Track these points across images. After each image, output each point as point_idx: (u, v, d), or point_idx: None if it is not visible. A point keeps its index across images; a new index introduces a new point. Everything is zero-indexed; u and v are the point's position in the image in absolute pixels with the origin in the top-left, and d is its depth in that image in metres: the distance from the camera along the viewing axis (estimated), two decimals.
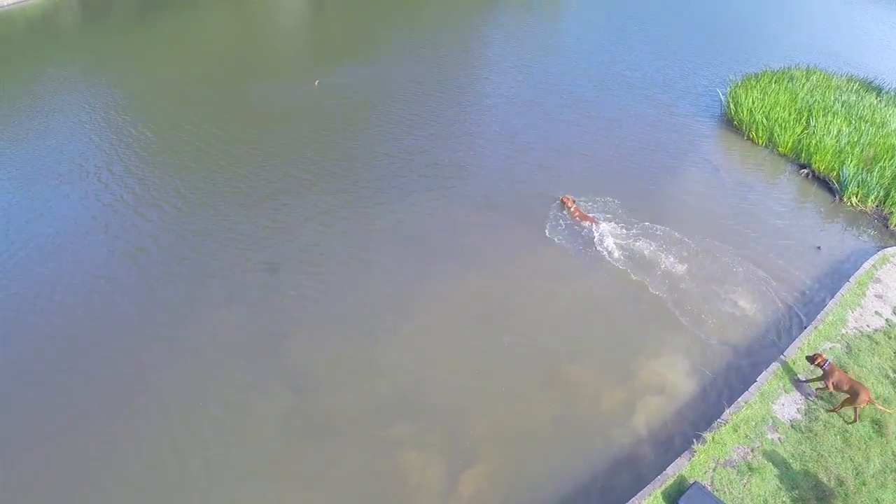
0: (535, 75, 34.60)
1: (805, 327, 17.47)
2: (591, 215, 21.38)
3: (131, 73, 33.81)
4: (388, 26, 44.34)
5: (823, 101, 29.32)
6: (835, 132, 26.62)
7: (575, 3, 52.49)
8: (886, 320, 17.87)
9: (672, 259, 19.76)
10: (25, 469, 12.71)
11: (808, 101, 29.17)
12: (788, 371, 15.67)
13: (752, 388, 15.19)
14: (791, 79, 32.01)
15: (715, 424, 14.07)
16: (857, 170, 24.42)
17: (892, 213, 23.20)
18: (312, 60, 37.73)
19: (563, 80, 34.05)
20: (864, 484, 13.05)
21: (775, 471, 13.16)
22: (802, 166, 26.19)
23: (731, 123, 29.72)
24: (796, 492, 12.75)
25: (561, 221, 21.32)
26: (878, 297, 18.73)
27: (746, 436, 13.85)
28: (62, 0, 51.93)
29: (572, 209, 21.44)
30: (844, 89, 31.55)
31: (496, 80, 33.84)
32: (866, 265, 20.05)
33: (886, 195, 23.68)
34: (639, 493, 12.52)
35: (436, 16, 47.81)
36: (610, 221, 21.28)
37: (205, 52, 37.91)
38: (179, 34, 40.91)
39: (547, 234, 20.73)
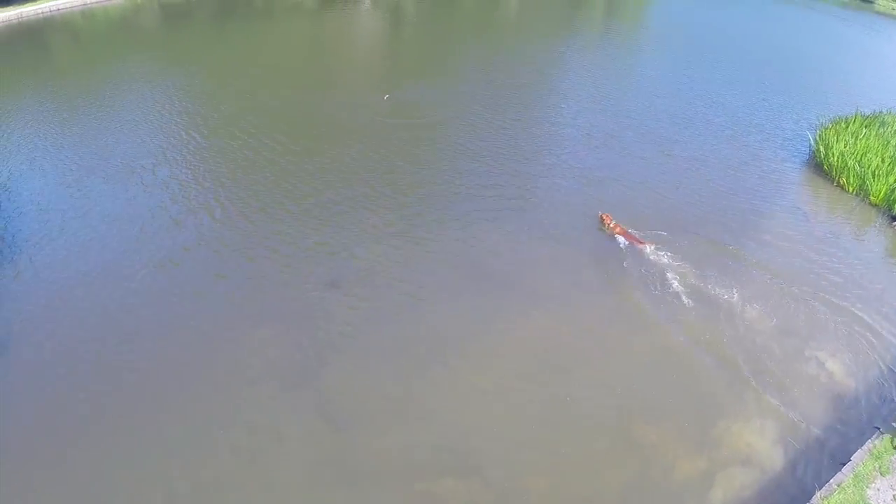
0: (612, 107, 32.74)
1: None
2: (635, 234, 20.20)
3: (200, 77, 33.86)
4: (464, 47, 43.59)
5: None
6: None
7: (652, 35, 51.00)
8: None
9: (756, 309, 17.46)
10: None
11: None
12: (886, 449, 13.43)
13: (846, 469, 13.10)
14: (882, 124, 29.52)
15: None
16: None
17: None
18: (383, 76, 36.83)
19: (642, 113, 32.05)
20: None
21: None
22: (895, 218, 23.80)
23: (819, 168, 27.23)
24: None
25: (635, 264, 19.19)
26: None
27: None
28: (143, 2, 53.27)
29: (611, 225, 20.68)
30: None
31: (572, 110, 32.08)
32: None
33: None
34: None
35: (512, 40, 46.87)
36: (689, 265, 19.11)
37: (275, 61, 37.77)
38: (253, 43, 41.21)
39: (618, 275, 18.70)
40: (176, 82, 32.84)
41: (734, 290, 18.16)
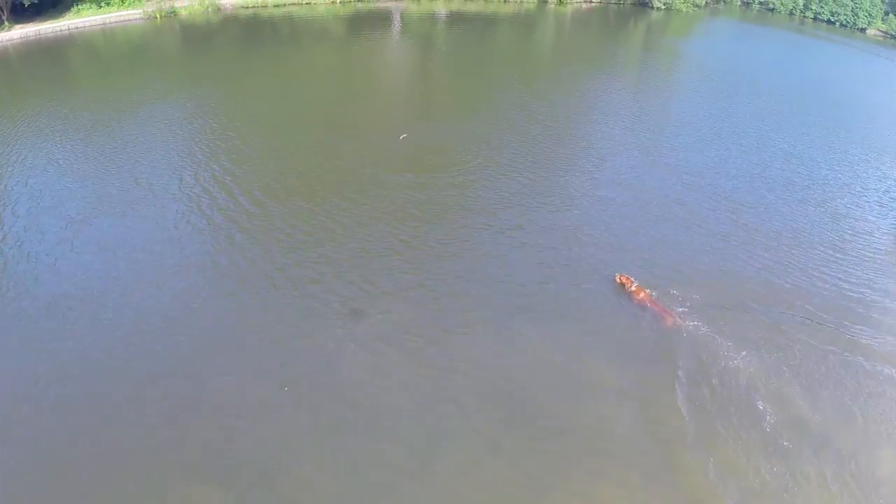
0: (670, 161, 28.16)
1: None
2: (660, 302, 17.43)
3: (216, 103, 31.31)
4: (494, 82, 39.50)
5: None
6: None
7: (699, 72, 46.62)
8: None
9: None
10: None
11: None
12: None
13: None
14: None
15: None
16: None
17: None
18: (404, 111, 33.36)
19: (707, 169, 27.62)
20: None
21: None
22: None
23: None
24: None
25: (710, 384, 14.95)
26: None
27: None
28: (165, 23, 51.60)
29: (633, 289, 18.02)
30: None
31: (619, 165, 27.24)
32: None
33: None
34: None
35: (547, 74, 43.30)
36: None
37: (297, 93, 34.83)
38: (276, 71, 38.22)
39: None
40: (192, 107, 30.77)
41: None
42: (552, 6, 71.28)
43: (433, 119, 30.82)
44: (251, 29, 49.41)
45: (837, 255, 21.56)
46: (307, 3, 54.81)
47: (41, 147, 25.48)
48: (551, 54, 51.07)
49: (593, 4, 77.63)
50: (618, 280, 18.29)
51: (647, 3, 79.74)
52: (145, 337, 15.10)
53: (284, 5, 53.42)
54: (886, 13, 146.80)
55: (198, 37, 48.78)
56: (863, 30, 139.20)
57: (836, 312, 17.96)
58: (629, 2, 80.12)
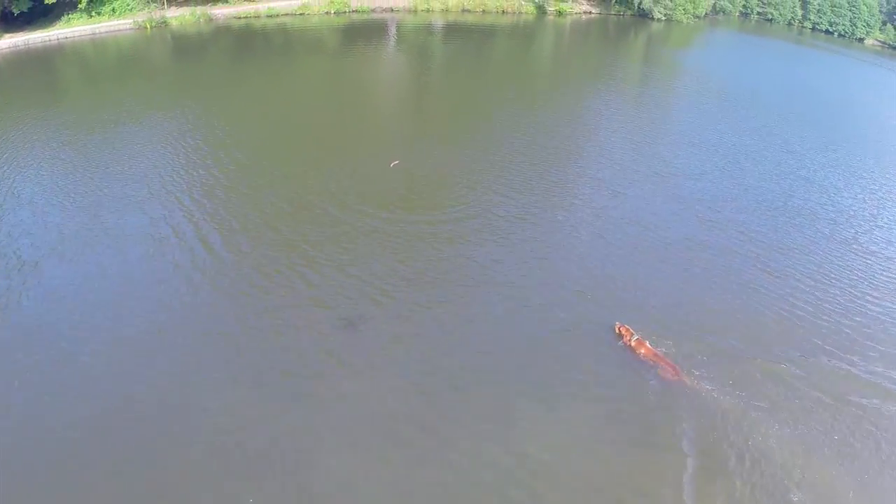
0: (679, 191, 25.69)
1: None
2: (663, 354, 15.42)
3: (200, 121, 29.73)
4: (492, 99, 37.07)
5: None
6: None
7: (704, 87, 44.99)
8: None
9: None
10: None
11: None
12: None
13: None
14: None
15: None
16: None
17: None
18: (396, 132, 30.86)
19: (719, 199, 25.13)
20: None
21: None
22: None
23: None
24: None
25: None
26: None
27: None
28: (155, 33, 50.42)
29: (632, 343, 15.99)
30: None
31: (627, 199, 24.11)
32: None
33: None
34: None
35: (546, 90, 41.40)
36: None
37: (288, 108, 33.21)
38: (268, 85, 36.68)
39: None
40: (184, 124, 29.19)
41: None
42: (551, 17, 70.30)
43: (427, 142, 28.26)
44: (243, 40, 48.21)
45: (874, 297, 19.31)
46: (301, 14, 53.63)
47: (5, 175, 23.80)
48: (551, 68, 49.87)
49: (593, 15, 76.68)
50: (617, 330, 16.43)
51: (648, 14, 78.83)
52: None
53: (277, 16, 52.25)
54: (884, 23, 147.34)
55: (188, 48, 47.58)
56: (861, 39, 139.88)
57: (881, 363, 16.04)
58: (629, 12, 79.20)
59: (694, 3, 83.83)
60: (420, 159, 25.56)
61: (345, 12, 55.55)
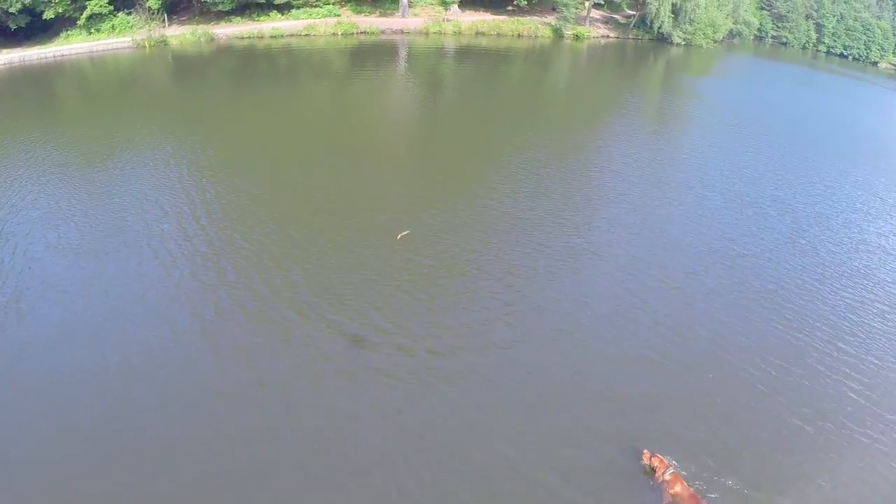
0: (714, 260, 21.31)
1: None
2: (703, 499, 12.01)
3: (206, 148, 27.33)
4: (510, 139, 32.35)
5: None
6: None
7: (731, 120, 41.38)
8: None
9: None
10: None
11: None
12: None
13: None
14: None
15: None
16: None
17: None
18: (403, 183, 26.22)
19: (757, 270, 20.96)
20: None
21: None
22: None
23: None
24: None
25: None
26: None
27: None
28: (154, 52, 48.12)
29: (666, 478, 12.50)
30: None
31: (652, 276, 19.95)
32: None
33: None
34: None
35: (567, 132, 37.01)
36: None
37: (286, 141, 30.12)
38: (267, 112, 33.73)
39: None
40: (180, 149, 27.05)
41: None
42: (568, 41, 67.97)
43: (436, 201, 23.74)
44: (246, 61, 45.65)
45: None
46: (306, 35, 51.16)
47: None
48: (568, 98, 46.94)
49: (610, 39, 74.43)
50: (646, 461, 12.98)
51: (667, 39, 76.72)
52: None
53: (282, 37, 49.78)
54: None
55: (188, 68, 45.17)
56: (875, 63, 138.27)
57: None
58: (647, 37, 77.05)
59: (714, 27, 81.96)
60: (427, 226, 21.48)
61: (353, 34, 53.07)
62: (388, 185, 25.15)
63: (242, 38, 50.16)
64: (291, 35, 50.82)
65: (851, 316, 18.81)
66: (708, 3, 79.13)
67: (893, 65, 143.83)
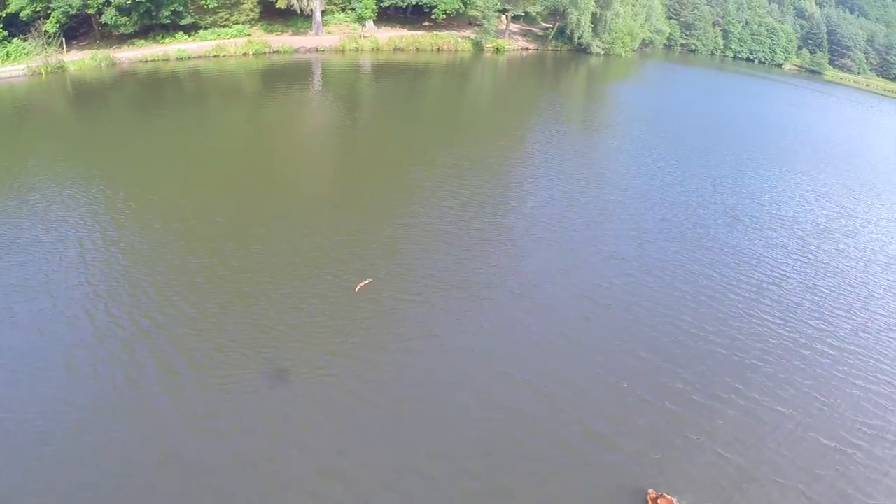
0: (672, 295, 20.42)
1: None
2: None
3: (111, 186, 25.00)
4: (432, 169, 30.21)
5: None
6: None
7: (659, 126, 42.57)
8: None
9: None
10: None
11: None
12: None
13: None
14: None
15: None
16: None
17: None
18: (318, 201, 25.47)
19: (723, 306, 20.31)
20: None
21: None
22: None
23: None
24: None
25: None
26: None
27: None
28: (52, 79, 44.83)
29: None
30: None
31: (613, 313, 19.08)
32: None
33: None
34: None
35: (490, 150, 36.27)
36: None
37: (199, 161, 28.86)
38: (176, 137, 32.06)
39: None
40: (81, 186, 24.93)
41: None
42: (488, 54, 68.22)
43: (356, 223, 23.00)
44: (151, 86, 43.07)
45: None
46: (215, 56, 48.97)
47: None
48: (490, 112, 46.86)
49: (530, 51, 75.29)
50: (651, 502, 12.45)
51: (586, 49, 78.39)
52: None
53: (189, 59, 47.41)
54: (800, 48, 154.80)
55: (89, 96, 42.24)
56: (780, 65, 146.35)
57: None
58: (566, 48, 78.42)
59: (632, 36, 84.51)
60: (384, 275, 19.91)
61: (265, 53, 51.21)
62: (304, 211, 24.16)
63: (146, 61, 47.49)
64: (199, 57, 48.49)
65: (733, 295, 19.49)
66: (625, 13, 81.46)
67: (797, 65, 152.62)
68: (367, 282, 18.73)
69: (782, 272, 22.93)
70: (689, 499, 12.49)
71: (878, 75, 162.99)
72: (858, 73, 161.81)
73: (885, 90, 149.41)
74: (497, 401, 14.77)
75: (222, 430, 13.12)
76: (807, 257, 24.66)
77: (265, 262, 19.70)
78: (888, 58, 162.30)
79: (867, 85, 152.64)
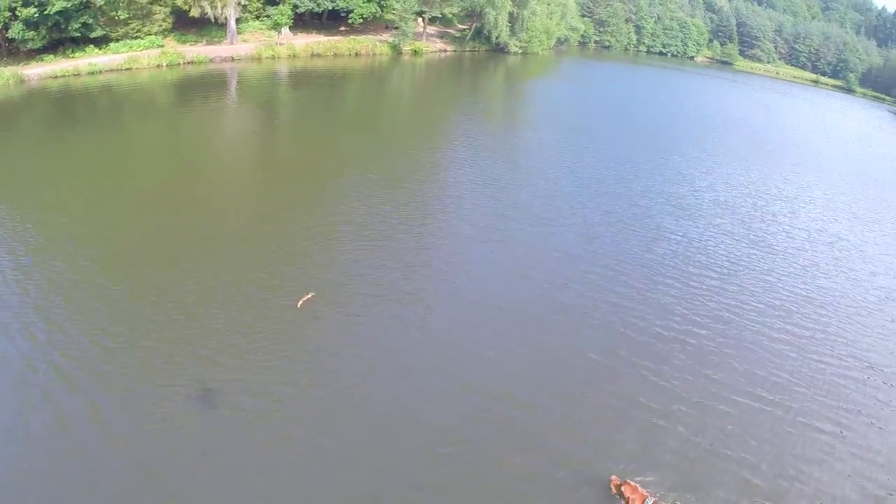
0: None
1: None
2: None
3: (9, 205, 24.53)
4: (345, 163, 33.23)
5: None
6: None
7: (583, 124, 45.83)
8: None
9: None
10: None
11: None
12: None
13: None
14: None
15: None
16: None
17: None
18: (241, 211, 25.63)
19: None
20: None
21: None
22: None
23: None
24: None
25: None
26: None
27: None
28: None
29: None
30: None
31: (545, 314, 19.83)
32: None
33: None
34: None
35: (412, 152, 37.87)
36: None
37: (115, 180, 28.28)
38: (90, 156, 31.75)
39: None
40: None
41: None
42: (407, 56, 69.70)
43: (276, 235, 22.89)
44: (62, 103, 42.43)
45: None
46: (128, 69, 48.53)
47: None
48: (414, 114, 48.79)
49: (448, 52, 77.18)
50: (615, 489, 12.77)
51: (504, 49, 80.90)
52: None
53: (101, 72, 46.86)
54: (711, 40, 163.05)
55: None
56: (692, 57, 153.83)
57: None
58: (484, 48, 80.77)
59: (549, 34, 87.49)
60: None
61: (179, 64, 51.03)
62: (233, 225, 23.64)
63: (57, 76, 46.63)
64: (111, 70, 47.98)
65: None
66: (541, 11, 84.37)
67: (709, 57, 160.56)
68: (309, 295, 18.44)
69: (735, 257, 25.24)
70: (653, 483, 13.17)
71: (786, 63, 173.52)
72: (768, 62, 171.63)
73: (794, 77, 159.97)
74: (451, 404, 15.00)
75: (153, 465, 12.82)
76: (754, 241, 27.33)
77: (194, 283, 18.83)
78: (796, 46, 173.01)
79: (777, 73, 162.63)
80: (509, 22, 78.53)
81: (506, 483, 13.09)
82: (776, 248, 26.85)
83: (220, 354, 15.71)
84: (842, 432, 15.95)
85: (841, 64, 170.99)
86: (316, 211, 25.54)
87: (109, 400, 14.32)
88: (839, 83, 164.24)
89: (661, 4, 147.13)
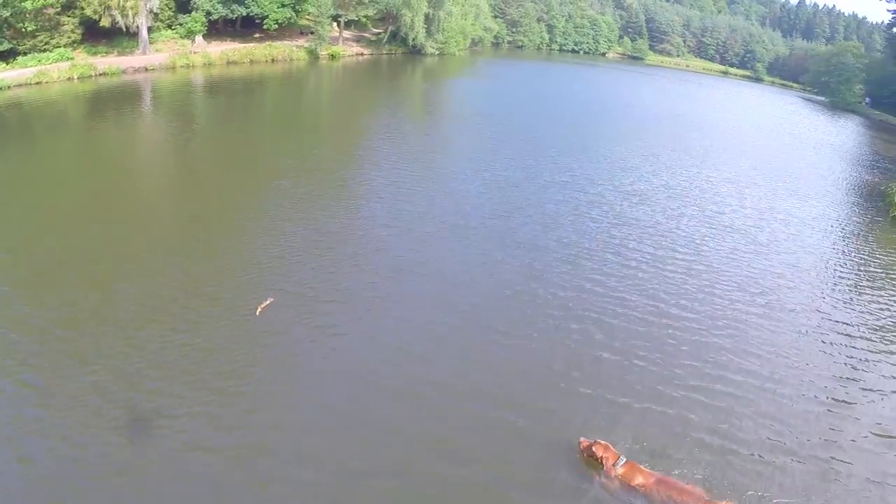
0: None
1: None
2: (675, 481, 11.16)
3: None
4: (266, 168, 34.54)
5: None
6: None
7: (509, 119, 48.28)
8: None
9: None
10: None
11: None
12: None
13: None
14: None
15: None
16: None
17: None
18: (165, 222, 25.05)
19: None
20: None
21: None
22: None
23: None
24: None
25: None
26: None
27: None
28: None
29: (619, 472, 11.18)
30: None
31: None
32: None
33: None
34: None
35: (334, 159, 39.15)
36: None
37: (23, 207, 26.91)
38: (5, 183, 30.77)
39: None
40: None
41: None
42: (324, 61, 70.91)
43: (197, 248, 21.48)
44: None
45: None
46: (37, 83, 47.76)
47: None
48: (331, 117, 50.06)
49: (366, 56, 78.76)
50: (584, 452, 11.71)
51: (420, 50, 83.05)
52: None
53: (9, 88, 45.83)
54: (621, 36, 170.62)
55: None
56: (604, 53, 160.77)
57: None
58: (401, 51, 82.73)
59: (464, 34, 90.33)
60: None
61: (90, 76, 50.59)
62: (153, 240, 22.09)
63: None
64: (19, 85, 47.10)
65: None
66: (456, 12, 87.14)
67: (620, 53, 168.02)
68: (268, 301, 17.24)
69: (696, 237, 26.83)
70: (623, 442, 12.64)
71: (695, 56, 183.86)
72: (678, 56, 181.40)
73: (703, 69, 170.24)
74: (417, 402, 14.21)
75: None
76: (710, 222, 29.04)
77: (132, 304, 16.96)
78: (704, 40, 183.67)
79: (687, 66, 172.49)
80: (425, 23, 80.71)
81: (473, 453, 12.67)
82: (733, 227, 29.01)
83: (172, 384, 13.66)
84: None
85: (748, 55, 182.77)
86: (252, 215, 24.98)
87: (41, 449, 11.86)
88: (748, 73, 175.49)
89: (571, 3, 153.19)
